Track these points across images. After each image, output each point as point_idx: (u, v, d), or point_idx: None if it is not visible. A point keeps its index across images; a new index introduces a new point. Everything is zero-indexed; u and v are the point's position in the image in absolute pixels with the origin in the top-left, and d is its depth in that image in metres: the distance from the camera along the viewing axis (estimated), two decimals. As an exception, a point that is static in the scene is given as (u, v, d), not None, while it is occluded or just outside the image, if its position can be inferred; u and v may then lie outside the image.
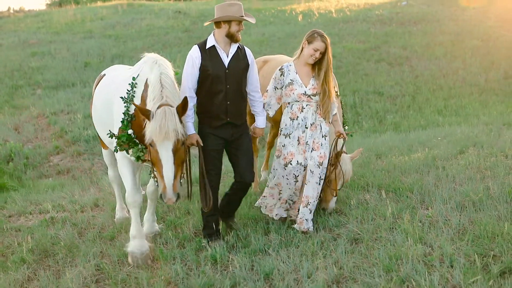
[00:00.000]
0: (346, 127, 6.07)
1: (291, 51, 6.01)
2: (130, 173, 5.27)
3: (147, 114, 4.57)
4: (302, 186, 5.59)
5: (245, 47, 5.39)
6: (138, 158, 4.99)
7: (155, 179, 4.85)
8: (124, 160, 5.24)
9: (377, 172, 7.09)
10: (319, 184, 5.56)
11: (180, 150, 4.65)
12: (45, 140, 12.90)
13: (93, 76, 15.10)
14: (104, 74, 6.20)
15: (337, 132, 5.68)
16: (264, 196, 5.81)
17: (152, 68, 4.90)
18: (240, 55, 5.26)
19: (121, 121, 4.97)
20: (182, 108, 4.63)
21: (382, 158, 8.05)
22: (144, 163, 5.31)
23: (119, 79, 5.46)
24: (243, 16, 5.12)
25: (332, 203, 5.90)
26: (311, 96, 5.49)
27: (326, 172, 5.66)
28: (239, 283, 4.58)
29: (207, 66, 5.13)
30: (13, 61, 19.49)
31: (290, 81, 5.53)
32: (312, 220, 5.56)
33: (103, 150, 6.46)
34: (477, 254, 4.47)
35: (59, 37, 23.21)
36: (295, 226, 5.53)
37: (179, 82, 5.17)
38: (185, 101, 4.61)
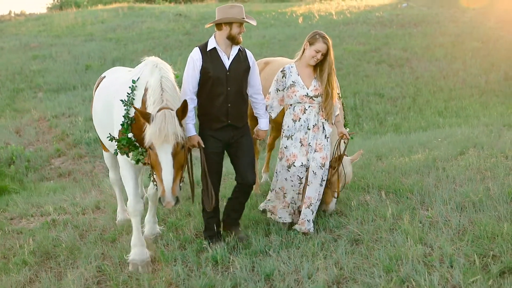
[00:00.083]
0: (348, 129, 6.08)
1: (292, 53, 6.03)
2: (132, 179, 5.24)
3: (147, 117, 4.55)
4: (304, 187, 5.60)
5: (246, 49, 5.39)
6: (138, 161, 4.97)
7: (155, 182, 4.83)
8: (126, 165, 5.23)
9: (378, 173, 7.11)
10: (321, 185, 5.58)
11: (180, 154, 4.62)
12: (46, 143, 12.94)
13: (94, 79, 15.11)
14: (104, 76, 6.21)
15: (340, 133, 5.67)
16: (269, 200, 5.81)
17: (152, 71, 4.88)
18: (241, 57, 5.26)
19: (121, 124, 4.96)
20: (182, 112, 4.61)
21: (383, 159, 8.07)
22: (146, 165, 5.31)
23: (119, 82, 5.45)
24: (244, 18, 5.12)
25: (332, 205, 5.92)
26: (313, 98, 5.50)
27: (327, 174, 5.68)
28: (240, 284, 4.59)
29: (208, 68, 5.13)
30: (15, 65, 19.55)
31: (292, 83, 5.54)
32: (313, 221, 5.58)
33: (104, 153, 6.47)
34: (476, 254, 4.49)
35: (60, 40, 23.27)
36: (296, 227, 5.55)
37: (179, 85, 5.19)
38: (184, 104, 4.60)
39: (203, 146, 5.12)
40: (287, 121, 5.65)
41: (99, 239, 5.88)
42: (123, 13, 28.87)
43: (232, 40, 5.17)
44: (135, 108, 4.67)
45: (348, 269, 4.61)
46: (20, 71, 18.89)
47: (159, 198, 4.60)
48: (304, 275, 4.58)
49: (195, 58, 5.16)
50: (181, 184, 4.75)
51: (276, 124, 6.30)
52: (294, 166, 5.49)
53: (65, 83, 17.28)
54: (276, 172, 5.71)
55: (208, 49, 5.18)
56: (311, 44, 5.44)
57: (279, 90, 5.65)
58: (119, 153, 5.06)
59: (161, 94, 4.68)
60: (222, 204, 6.32)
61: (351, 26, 21.78)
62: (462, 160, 7.30)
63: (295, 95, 5.51)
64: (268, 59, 7.02)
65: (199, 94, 5.25)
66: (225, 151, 5.45)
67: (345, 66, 16.85)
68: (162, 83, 4.74)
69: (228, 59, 5.19)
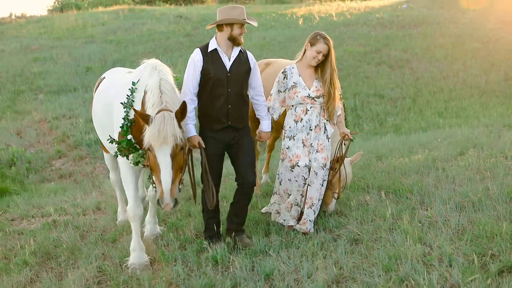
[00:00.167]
0: (348, 131, 6.09)
1: (292, 54, 6.04)
2: (132, 182, 5.22)
3: (146, 119, 4.54)
4: (306, 188, 5.61)
5: (247, 51, 5.39)
6: (137, 163, 4.96)
7: (154, 185, 4.82)
8: (126, 167, 5.20)
9: (378, 173, 7.13)
10: (322, 185, 5.59)
11: (179, 156, 4.60)
12: (47, 144, 12.97)
13: (95, 81, 15.09)
14: (104, 77, 6.22)
15: (342, 133, 5.67)
16: (274, 203, 5.80)
17: (151, 74, 4.87)
18: (242, 59, 5.27)
19: (120, 126, 4.94)
20: (180, 113, 4.59)
21: (383, 160, 8.08)
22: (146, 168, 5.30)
23: (119, 83, 5.45)
24: (245, 19, 5.13)
25: (332, 206, 5.93)
26: (315, 99, 5.50)
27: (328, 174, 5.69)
28: (239, 283, 4.60)
29: (208, 69, 5.13)
30: (15, 67, 19.59)
31: (293, 84, 5.54)
32: (313, 221, 5.59)
33: (104, 154, 6.49)
34: (475, 253, 4.50)
35: (60, 43, 23.31)
36: (297, 226, 5.55)
37: (179, 87, 5.19)
38: (183, 105, 4.57)
39: (204, 146, 5.12)
40: (288, 122, 5.65)
41: (99, 240, 5.90)
42: (124, 15, 28.91)
43: (233, 41, 5.17)
44: (134, 110, 4.65)
45: (348, 269, 4.62)
46: (21, 73, 18.93)
47: (158, 200, 4.59)
48: (303, 275, 4.59)
49: (195, 59, 5.17)
50: (180, 187, 4.71)
51: (276, 125, 6.30)
52: (298, 166, 5.47)
53: (66, 85, 17.32)
54: (278, 174, 5.70)
55: (209, 50, 5.19)
56: (312, 45, 5.45)
57: (281, 92, 5.65)
58: (119, 155, 5.06)
59: (160, 97, 4.66)
60: (222, 204, 6.36)
61: (351, 27, 21.81)
62: (462, 160, 7.32)
63: (297, 96, 5.52)
64: (269, 60, 7.04)
65: (199, 95, 5.25)
66: (226, 152, 5.45)
67: (345, 67, 16.87)
68: (161, 85, 4.73)
69: (229, 60, 5.20)
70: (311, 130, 5.54)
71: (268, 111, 5.65)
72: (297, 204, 5.60)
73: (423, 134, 10.46)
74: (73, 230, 6.27)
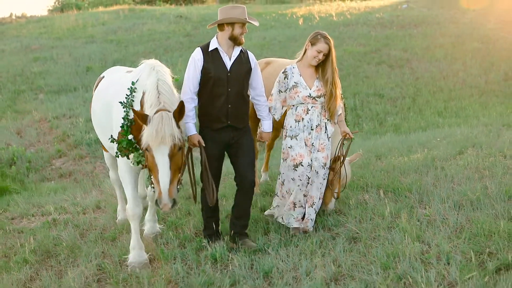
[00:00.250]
0: (349, 130, 6.09)
1: (292, 54, 6.04)
2: (131, 182, 5.23)
3: (144, 119, 4.54)
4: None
5: (248, 51, 5.38)
6: (138, 163, 4.97)
7: (153, 185, 4.82)
8: (125, 167, 5.21)
9: (377, 172, 7.14)
10: (323, 184, 5.60)
11: (177, 156, 4.59)
12: (47, 144, 12.99)
13: (95, 80, 15.15)
14: (103, 76, 6.23)
15: (343, 132, 5.67)
16: (278, 206, 5.77)
17: (149, 74, 4.86)
18: (243, 59, 5.27)
19: (120, 126, 4.94)
20: (178, 113, 4.58)
21: (382, 159, 8.10)
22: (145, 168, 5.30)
23: (118, 83, 5.45)
24: (246, 19, 5.13)
25: (331, 205, 5.94)
26: (316, 98, 5.51)
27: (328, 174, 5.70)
28: (238, 281, 4.63)
29: (209, 69, 5.14)
30: (16, 66, 19.60)
31: (294, 84, 5.54)
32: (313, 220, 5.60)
33: (104, 153, 6.51)
34: (473, 251, 4.52)
35: (61, 42, 23.32)
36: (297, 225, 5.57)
37: (178, 87, 5.20)
38: (181, 105, 4.57)
39: (204, 145, 5.12)
40: (289, 121, 5.64)
41: (99, 238, 5.92)
42: (124, 15, 28.91)
43: (234, 40, 5.18)
44: (133, 110, 4.65)
45: (346, 267, 4.64)
46: (21, 73, 18.94)
47: (156, 200, 4.59)
48: (302, 273, 4.61)
49: (196, 58, 5.18)
50: (178, 187, 4.70)
51: (276, 124, 6.30)
52: (302, 165, 5.45)
53: (66, 85, 17.33)
54: (280, 175, 5.67)
55: (209, 50, 5.20)
56: (312, 44, 5.45)
57: (281, 92, 5.65)
58: (119, 155, 5.04)
59: (158, 97, 4.66)
60: (222, 203, 6.39)
61: (351, 27, 21.81)
62: (461, 159, 7.34)
63: (298, 96, 5.52)
64: (269, 59, 7.05)
65: (200, 94, 5.26)
66: (225, 152, 5.45)
67: (345, 67, 16.88)
68: (159, 86, 4.73)
69: (230, 60, 5.21)
70: (312, 130, 5.54)
71: (270, 111, 5.65)
72: (301, 205, 5.55)
73: (423, 134, 10.48)
74: (73, 228, 6.29)
